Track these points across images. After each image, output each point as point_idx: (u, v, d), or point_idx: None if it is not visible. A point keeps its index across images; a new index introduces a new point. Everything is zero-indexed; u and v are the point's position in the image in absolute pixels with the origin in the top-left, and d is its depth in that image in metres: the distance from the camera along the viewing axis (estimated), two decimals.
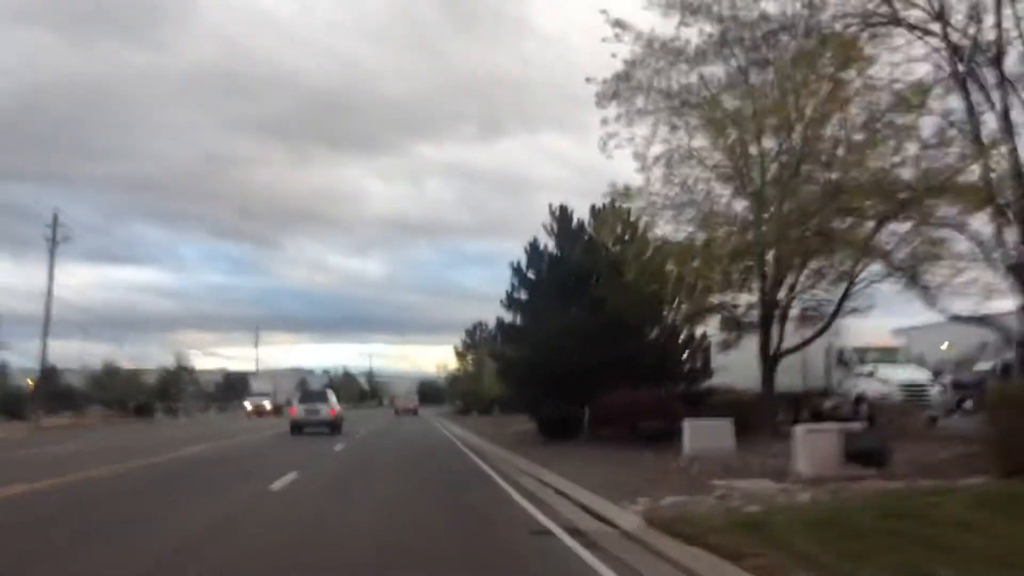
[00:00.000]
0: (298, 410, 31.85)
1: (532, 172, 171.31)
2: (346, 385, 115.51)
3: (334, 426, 31.39)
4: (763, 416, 18.26)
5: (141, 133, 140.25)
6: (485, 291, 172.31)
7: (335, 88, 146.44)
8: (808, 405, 22.99)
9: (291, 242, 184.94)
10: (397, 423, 48.17)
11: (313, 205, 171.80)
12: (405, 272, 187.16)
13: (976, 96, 14.11)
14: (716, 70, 16.99)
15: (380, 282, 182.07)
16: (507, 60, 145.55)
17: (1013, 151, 13.67)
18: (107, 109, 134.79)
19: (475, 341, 71.25)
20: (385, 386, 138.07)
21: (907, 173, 15.72)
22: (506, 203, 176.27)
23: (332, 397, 33.96)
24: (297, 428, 30.75)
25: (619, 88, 16.93)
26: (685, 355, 23.38)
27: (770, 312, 18.44)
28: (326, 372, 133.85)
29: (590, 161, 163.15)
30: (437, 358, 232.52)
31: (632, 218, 21.53)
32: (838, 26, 14.95)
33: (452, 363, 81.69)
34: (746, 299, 19.48)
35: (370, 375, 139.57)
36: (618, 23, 16.36)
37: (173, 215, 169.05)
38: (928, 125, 15.47)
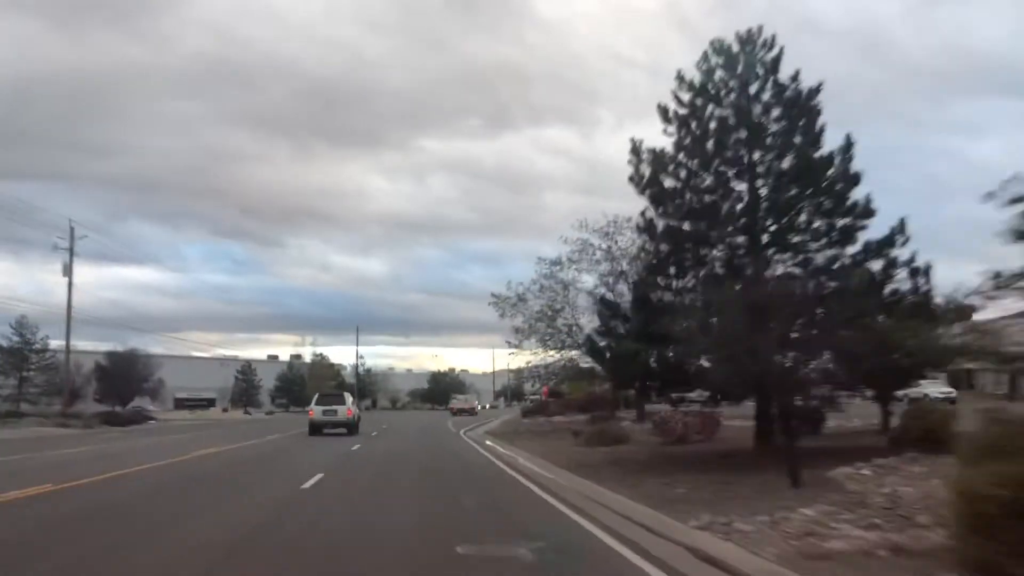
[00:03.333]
0: (316, 412, 32.99)
1: (537, 167, 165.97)
2: (316, 378, 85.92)
3: (351, 426, 32.84)
4: None
5: (138, 128, 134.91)
6: (490, 291, 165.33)
7: (335, 78, 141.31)
8: None
9: (293, 240, 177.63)
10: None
11: (315, 202, 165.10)
12: (408, 271, 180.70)
13: None
14: None
15: (383, 281, 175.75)
16: (510, 49, 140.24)
17: None
18: (102, 103, 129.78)
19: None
20: (381, 382, 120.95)
21: None
22: (510, 200, 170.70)
23: (349, 398, 35.69)
24: (316, 429, 32.07)
25: None
26: None
27: None
28: (294, 358, 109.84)
29: (594, 156, 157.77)
30: (437, 356, 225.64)
31: None
32: None
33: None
34: None
35: (360, 369, 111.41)
36: None
37: (172, 213, 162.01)
38: None
